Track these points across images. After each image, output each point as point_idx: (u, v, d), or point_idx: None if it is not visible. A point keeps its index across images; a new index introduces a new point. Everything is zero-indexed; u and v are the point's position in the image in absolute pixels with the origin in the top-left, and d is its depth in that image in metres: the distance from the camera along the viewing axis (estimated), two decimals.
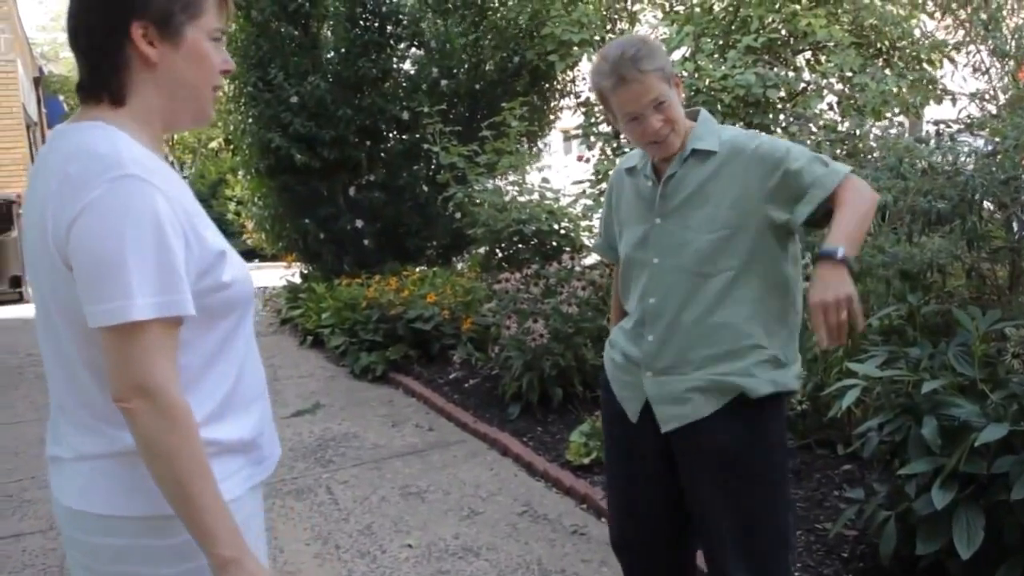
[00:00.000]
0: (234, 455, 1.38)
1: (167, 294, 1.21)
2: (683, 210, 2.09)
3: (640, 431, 2.20)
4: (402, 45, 8.89)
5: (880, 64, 7.32)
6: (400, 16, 8.60)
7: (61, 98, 22.67)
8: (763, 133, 2.14)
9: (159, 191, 1.22)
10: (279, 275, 9.60)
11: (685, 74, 6.32)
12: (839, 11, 7.41)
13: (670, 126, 2.04)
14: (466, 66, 8.96)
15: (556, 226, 5.86)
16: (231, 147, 10.46)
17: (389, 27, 8.55)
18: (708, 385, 2.08)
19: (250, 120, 8.55)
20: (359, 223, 8.50)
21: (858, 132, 4.85)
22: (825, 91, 6.90)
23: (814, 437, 4.03)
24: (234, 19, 8.47)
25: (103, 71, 1.30)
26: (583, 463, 4.13)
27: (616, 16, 8.29)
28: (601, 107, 2.23)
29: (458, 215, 6.47)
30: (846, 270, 1.79)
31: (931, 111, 8.27)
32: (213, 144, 24.32)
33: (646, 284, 2.15)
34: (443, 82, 8.57)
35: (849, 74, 6.73)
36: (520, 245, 5.85)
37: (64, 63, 25.48)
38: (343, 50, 8.48)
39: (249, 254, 14.09)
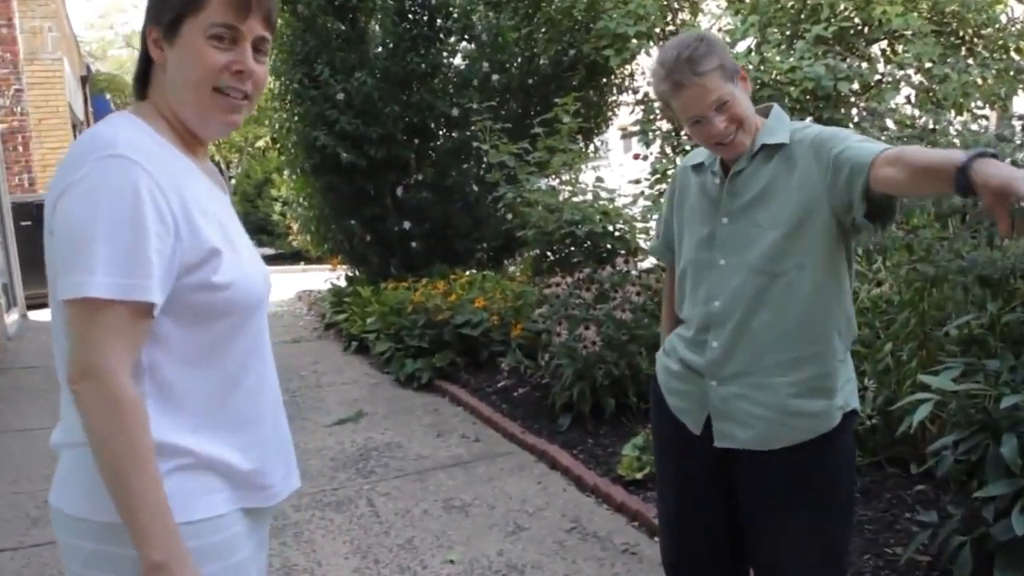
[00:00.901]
0: (215, 474, 1.37)
1: (130, 277, 1.23)
2: (751, 208, 2.05)
3: (695, 444, 2.16)
4: (452, 39, 8.94)
5: (962, 53, 7.15)
6: (450, 9, 8.65)
7: (108, 96, 23.30)
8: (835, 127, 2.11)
9: (148, 174, 1.27)
10: (324, 278, 9.71)
11: (751, 67, 6.25)
12: None
13: (736, 124, 2.01)
14: (519, 60, 8.99)
15: (610, 228, 5.84)
16: (277, 146, 10.63)
17: (439, 20, 8.61)
18: (781, 420, 2.04)
19: (295, 118, 8.69)
20: (407, 224, 8.56)
21: (936, 127, 4.73)
22: (902, 83, 6.75)
23: (885, 454, 3.93)
24: (279, 14, 8.62)
25: (138, 73, 1.45)
26: (635, 478, 4.09)
27: (677, 6, 8.24)
28: (660, 105, 2.22)
29: (509, 216, 6.48)
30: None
31: (1019, 103, 8.05)
32: (260, 143, 24.80)
33: (710, 287, 2.11)
34: (494, 77, 8.60)
35: (928, 65, 6.60)
36: (572, 248, 5.84)
37: (111, 61, 26.18)
38: (391, 45, 8.56)
39: (295, 256, 14.35)
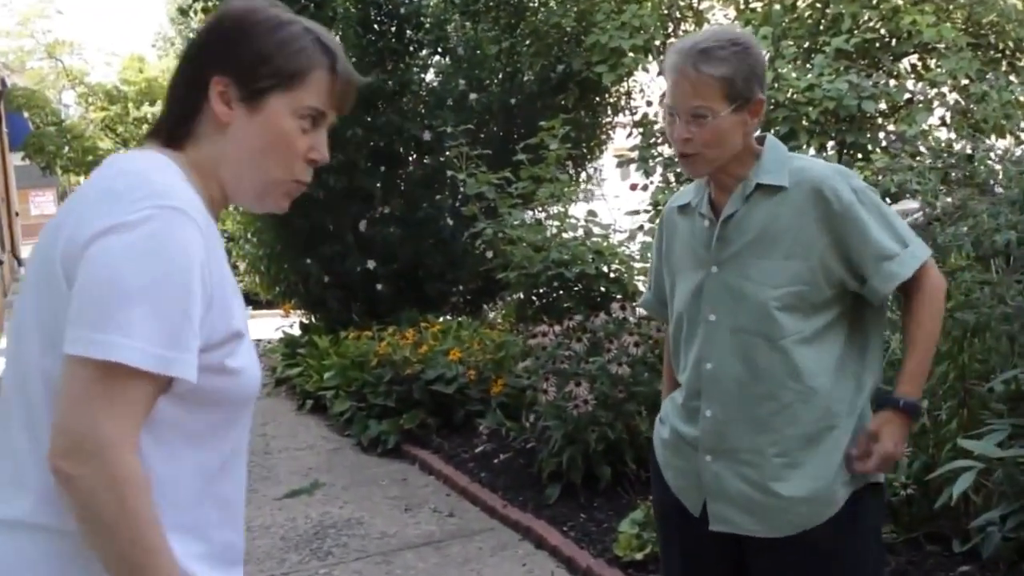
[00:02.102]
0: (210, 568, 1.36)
1: (171, 349, 1.21)
2: (743, 257, 2.06)
3: (703, 526, 2.16)
4: (424, 52, 9.04)
5: (1003, 69, 7.27)
6: (422, 19, 8.76)
7: (26, 115, 23.29)
8: (842, 168, 2.12)
9: (203, 235, 1.27)
10: (275, 326, 9.67)
11: None
12: (950, 7, 7.38)
13: (699, 147, 2.03)
14: (499, 77, 9.09)
15: (605, 268, 5.85)
16: None
17: (408, 32, 8.71)
18: (777, 509, 2.05)
19: None
20: (371, 264, 8.56)
21: (974, 152, 4.79)
22: (935, 103, 6.85)
23: (923, 530, 3.91)
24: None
25: (173, 111, 1.42)
26: (635, 559, 4.06)
27: (679, 15, 8.36)
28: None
29: (489, 255, 6.50)
30: (910, 421, 2.08)
31: None
32: None
33: (701, 346, 2.12)
34: (472, 96, 8.67)
35: (964, 82, 6.70)
36: (561, 292, 5.84)
37: (31, 75, 26.22)
38: (353, 59, 8.57)
39: (243, 300, 14.29)
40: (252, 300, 13.48)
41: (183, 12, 9.54)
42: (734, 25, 8.24)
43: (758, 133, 2.14)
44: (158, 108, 24.97)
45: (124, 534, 1.20)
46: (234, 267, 13.25)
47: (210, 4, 8.63)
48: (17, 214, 26.34)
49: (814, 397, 2.04)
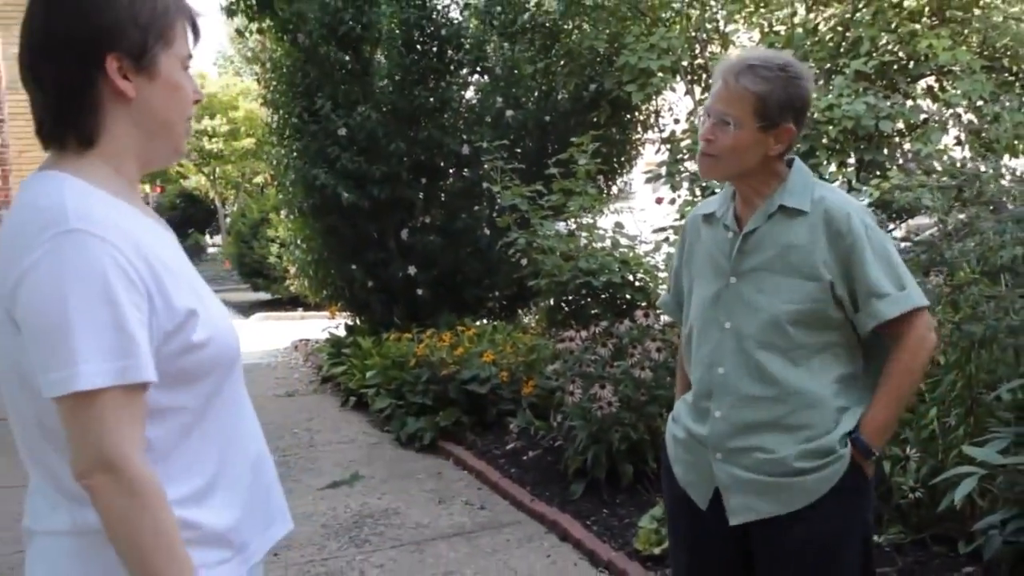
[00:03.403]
0: (218, 544, 1.39)
1: (120, 359, 1.23)
2: (760, 272, 2.09)
3: (709, 521, 2.18)
4: (464, 72, 9.05)
5: (1016, 92, 7.17)
6: (462, 40, 8.77)
7: None
8: (860, 205, 2.12)
9: (110, 245, 1.25)
10: (322, 327, 9.74)
11: None
12: (967, 31, 7.29)
13: (716, 150, 2.07)
14: (535, 95, 9.08)
15: (630, 277, 5.84)
16: (275, 183, 10.74)
17: (450, 52, 8.71)
18: (789, 484, 2.07)
19: (294, 154, 8.78)
20: (412, 270, 8.59)
21: (986, 171, 4.73)
22: (950, 123, 6.77)
23: (930, 532, 3.87)
24: (279, 43, 8.76)
25: (71, 111, 1.34)
26: (653, 553, 4.05)
27: (706, 37, 8.32)
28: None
29: (523, 263, 6.50)
30: (863, 459, 2.07)
31: None
32: (258, 179, 25.13)
33: (714, 351, 2.15)
34: (508, 113, 8.67)
35: (979, 103, 6.61)
36: (588, 299, 5.84)
37: None
38: (397, 77, 8.66)
39: (293, 302, 14.41)
40: (302, 303, 13.62)
41: (240, 33, 9.63)
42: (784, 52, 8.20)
43: (788, 156, 2.16)
44: (217, 121, 25.36)
45: (148, 539, 1.24)
46: (285, 271, 13.43)
47: (264, 25, 8.70)
48: None
49: (820, 403, 2.07)
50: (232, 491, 1.43)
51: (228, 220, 21.09)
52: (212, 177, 27.54)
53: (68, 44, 1.33)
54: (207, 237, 28.93)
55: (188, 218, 28.79)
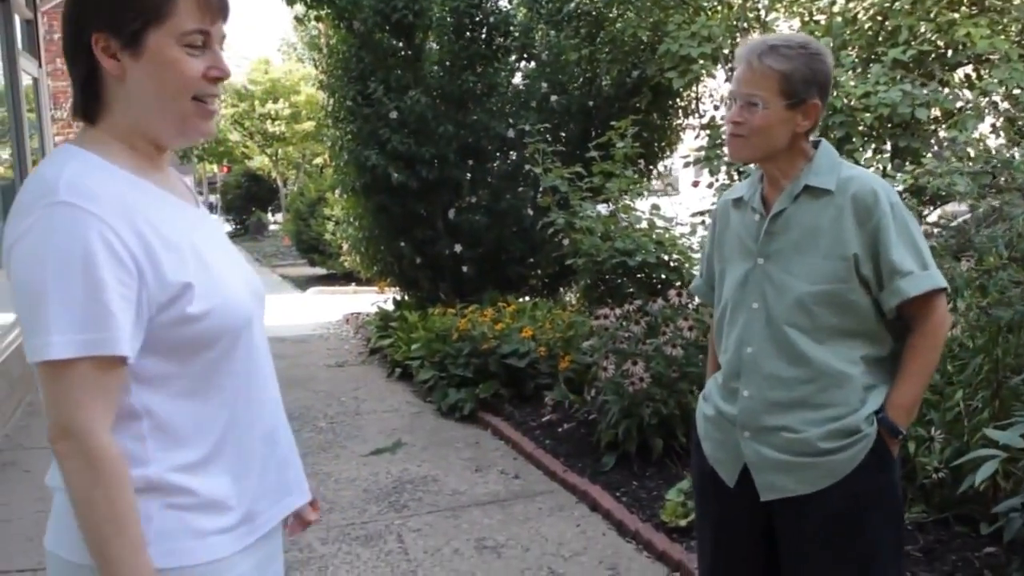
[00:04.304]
0: (216, 512, 1.35)
1: (91, 331, 1.20)
2: (787, 253, 2.04)
3: (736, 497, 2.14)
4: (511, 58, 8.98)
5: None
6: (510, 27, 8.70)
7: None
8: (886, 184, 2.04)
9: (96, 219, 1.22)
10: (372, 301, 9.78)
11: None
12: (1005, 20, 7.04)
13: (746, 131, 2.01)
14: (580, 81, 8.97)
15: (665, 258, 5.75)
16: (332, 163, 10.77)
17: (498, 39, 8.65)
18: (815, 463, 2.02)
19: (348, 136, 8.78)
20: (458, 248, 8.57)
21: (1020, 159, 4.57)
22: (986, 111, 6.55)
23: (953, 512, 3.76)
24: (335, 30, 8.76)
25: (78, 89, 1.34)
26: (679, 525, 3.99)
27: (747, 26, 8.14)
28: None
29: (565, 242, 6.44)
30: (892, 439, 2.02)
31: None
32: (318, 160, 25.27)
33: (743, 331, 2.10)
34: (553, 98, 8.59)
35: (1016, 91, 6.38)
36: (624, 278, 5.76)
37: None
38: (447, 63, 8.63)
39: (347, 277, 14.49)
40: (355, 278, 13.69)
41: (300, 20, 9.63)
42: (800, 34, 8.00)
43: (814, 137, 2.08)
44: (280, 105, 25.54)
45: (100, 510, 1.22)
46: (339, 248, 13.49)
47: (322, 13, 8.69)
48: None
49: (847, 382, 2.01)
50: (239, 461, 1.40)
51: (288, 199, 21.25)
52: (275, 158, 27.79)
53: (67, 26, 1.33)
54: (269, 215, 29.17)
55: (252, 196, 29.09)
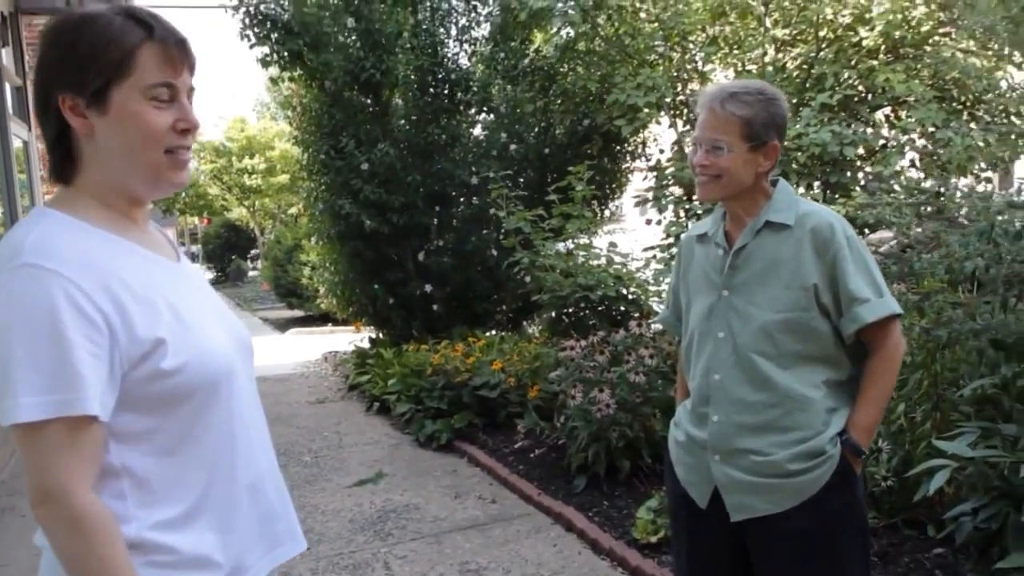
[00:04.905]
0: (202, 568, 1.26)
1: (59, 392, 1.12)
2: (750, 284, 2.01)
3: (708, 517, 2.08)
4: (472, 111, 8.99)
5: (964, 118, 7.06)
6: (470, 83, 8.71)
7: None
8: (841, 218, 2.02)
9: (63, 279, 1.14)
10: (349, 340, 9.64)
11: None
12: (919, 66, 7.19)
13: (712, 173, 1.98)
14: (535, 131, 8.99)
15: (624, 291, 5.73)
16: (306, 213, 10.66)
17: (459, 94, 8.65)
18: (783, 484, 1.97)
19: (322, 187, 8.70)
20: (428, 288, 8.50)
21: (943, 190, 4.63)
22: (906, 147, 6.67)
23: (901, 516, 3.74)
24: (308, 89, 8.71)
25: (52, 150, 1.26)
26: (650, 541, 3.92)
27: (687, 76, 8.22)
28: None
29: (527, 279, 6.40)
30: (854, 458, 1.97)
31: (1021, 166, 7.92)
32: (292, 210, 25.08)
33: (710, 359, 2.06)
34: (512, 147, 8.60)
35: (931, 129, 6.50)
36: (587, 311, 5.72)
37: None
38: (413, 117, 8.61)
39: (324, 318, 14.31)
40: (331, 318, 13.51)
41: (274, 82, 9.59)
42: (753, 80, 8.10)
43: (772, 176, 2.06)
44: (256, 160, 25.36)
45: (92, 571, 1.13)
46: (315, 291, 13.33)
47: (295, 74, 8.64)
48: None
49: (811, 405, 1.97)
50: (221, 515, 1.29)
51: (265, 247, 21.03)
52: (252, 209, 27.52)
53: (36, 90, 1.26)
54: (248, 262, 28.83)
55: (231, 245, 28.74)
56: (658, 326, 5.56)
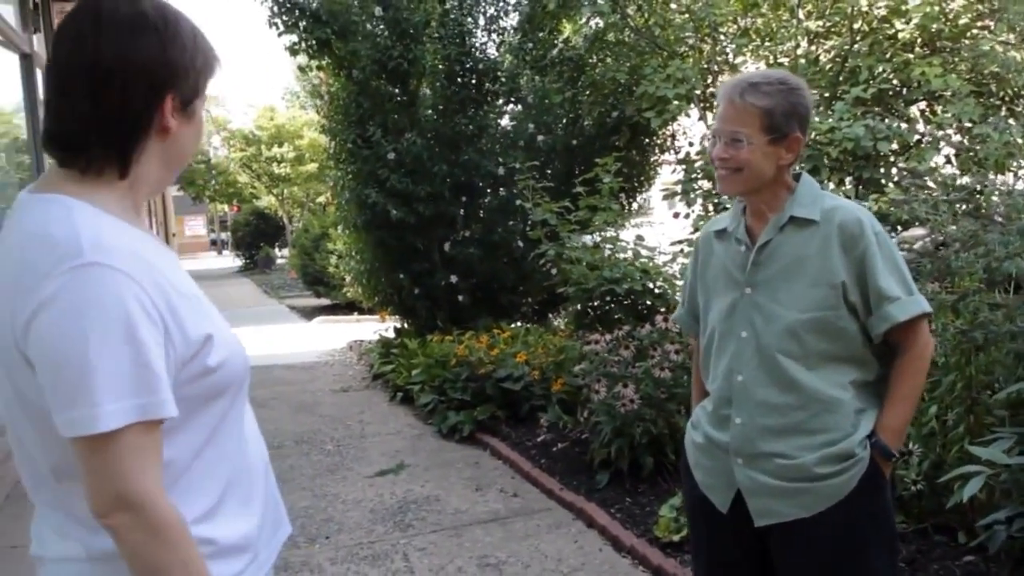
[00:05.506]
0: (235, 555, 1.24)
1: (142, 396, 1.07)
2: (774, 282, 1.92)
3: (729, 522, 2.01)
4: (500, 101, 8.92)
5: (1003, 114, 6.89)
6: (498, 73, 8.64)
7: None
8: (868, 213, 1.94)
9: (128, 278, 1.09)
10: (374, 329, 9.63)
11: None
12: (956, 59, 7.03)
13: (732, 166, 1.91)
14: (563, 122, 8.91)
15: (650, 285, 5.65)
16: (334, 202, 10.66)
17: (487, 84, 8.59)
18: (810, 488, 1.90)
19: (349, 176, 8.68)
20: (454, 278, 8.46)
21: (981, 188, 4.50)
22: (942, 143, 6.51)
23: (932, 521, 3.65)
24: (335, 78, 8.69)
25: (122, 136, 1.19)
26: (672, 540, 3.86)
27: (717, 68, 8.11)
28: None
29: (554, 272, 6.35)
30: (885, 461, 1.91)
31: None
32: (320, 199, 25.15)
33: (733, 359, 1.98)
34: (540, 138, 8.52)
35: (968, 124, 6.35)
36: (612, 304, 5.65)
37: None
38: (440, 107, 8.56)
39: (350, 306, 14.33)
40: (357, 307, 13.53)
41: (302, 70, 9.58)
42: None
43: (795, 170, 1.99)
44: (285, 148, 25.44)
45: (176, 573, 1.09)
46: (342, 279, 13.36)
47: (323, 63, 8.62)
48: (174, 235, 26.98)
49: (839, 407, 1.90)
50: (245, 502, 1.29)
51: (293, 235, 21.12)
52: (281, 197, 27.66)
53: (143, 74, 1.17)
54: (276, 250, 28.99)
55: (260, 233, 28.89)
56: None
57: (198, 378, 1.18)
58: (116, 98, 1.16)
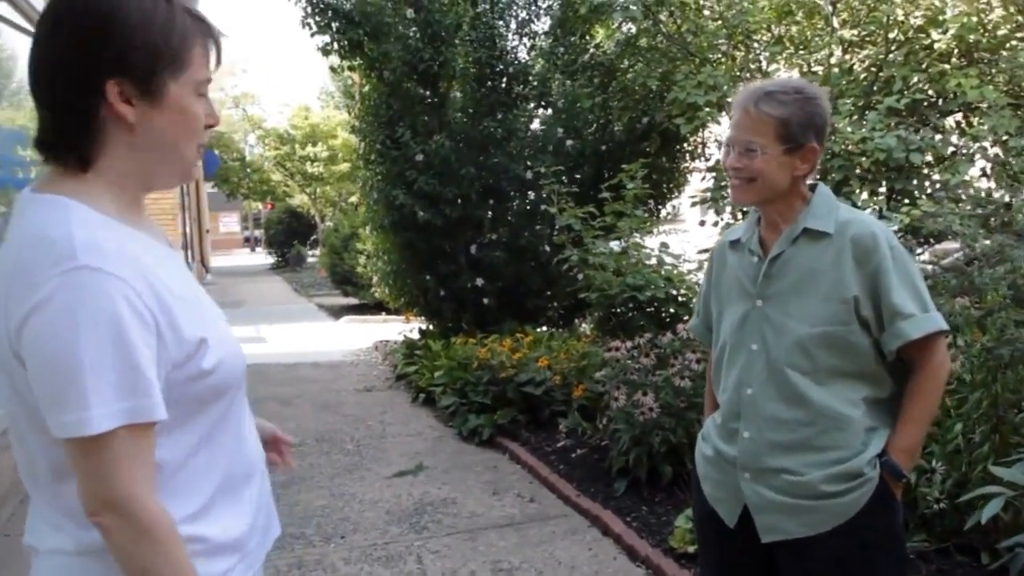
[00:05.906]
0: (224, 554, 1.24)
1: (131, 399, 1.07)
2: (786, 295, 1.89)
3: (737, 537, 1.98)
4: (529, 105, 8.90)
5: None
6: (528, 77, 8.63)
7: (217, 152, 24.14)
8: (883, 226, 1.90)
9: (121, 281, 1.08)
10: (399, 330, 9.66)
11: None
12: (993, 71, 6.90)
13: (746, 176, 1.87)
14: (593, 127, 8.87)
15: (674, 293, 5.60)
16: (364, 202, 10.70)
17: (516, 87, 8.58)
18: (816, 507, 1.87)
19: (378, 177, 8.71)
20: (479, 281, 8.45)
21: (1012, 201, 4.41)
22: (977, 156, 6.39)
23: (954, 541, 3.57)
24: (366, 79, 8.73)
25: (71, 132, 1.18)
26: (687, 551, 3.82)
27: (749, 75, 8.03)
28: None
29: (580, 277, 6.32)
30: (901, 488, 1.88)
31: None
32: (353, 198, 25.29)
33: (743, 372, 1.95)
34: (568, 142, 8.49)
35: (1004, 137, 6.22)
36: (635, 311, 5.61)
37: (222, 119, 27.17)
38: (470, 110, 8.56)
39: (378, 306, 14.38)
40: (384, 307, 13.58)
41: (334, 70, 9.63)
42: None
43: (811, 181, 1.95)
44: (319, 148, 25.62)
45: (164, 573, 1.10)
46: (369, 280, 13.41)
47: (355, 63, 8.67)
48: (208, 231, 27.28)
49: (849, 424, 1.85)
50: (238, 501, 1.29)
51: (324, 234, 21.25)
52: (313, 196, 27.86)
53: (65, 69, 1.16)
54: (307, 248, 29.20)
55: (292, 231, 29.13)
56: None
57: (193, 380, 1.18)
58: (50, 96, 1.18)
